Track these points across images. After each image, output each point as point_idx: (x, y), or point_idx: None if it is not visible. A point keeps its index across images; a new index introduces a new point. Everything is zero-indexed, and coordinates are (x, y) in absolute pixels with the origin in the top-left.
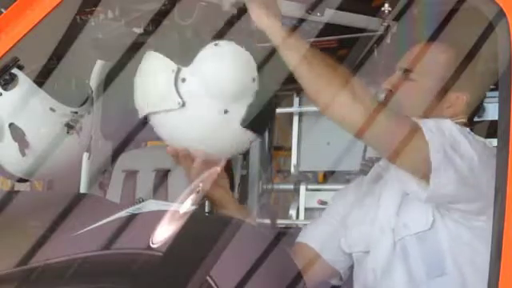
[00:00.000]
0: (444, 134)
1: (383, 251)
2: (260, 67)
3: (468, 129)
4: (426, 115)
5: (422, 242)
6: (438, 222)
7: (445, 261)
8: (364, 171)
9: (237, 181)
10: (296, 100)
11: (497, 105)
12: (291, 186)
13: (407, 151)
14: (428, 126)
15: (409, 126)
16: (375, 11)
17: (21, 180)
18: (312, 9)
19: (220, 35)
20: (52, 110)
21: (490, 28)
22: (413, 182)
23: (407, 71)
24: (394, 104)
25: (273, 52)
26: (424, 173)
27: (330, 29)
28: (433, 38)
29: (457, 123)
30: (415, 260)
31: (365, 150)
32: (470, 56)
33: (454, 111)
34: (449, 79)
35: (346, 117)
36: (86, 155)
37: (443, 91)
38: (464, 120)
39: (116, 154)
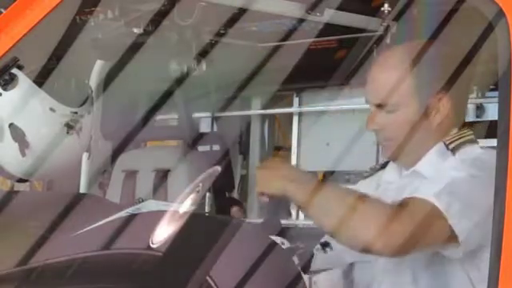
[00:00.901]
0: (458, 192)
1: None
2: (260, 67)
3: (478, 147)
4: (416, 135)
5: (433, 266)
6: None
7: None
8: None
9: (237, 181)
10: (296, 100)
11: (496, 105)
12: None
13: (429, 238)
14: (442, 198)
15: (423, 214)
16: (375, 11)
17: (20, 180)
18: (312, 9)
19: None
20: (52, 110)
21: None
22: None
23: (381, 106)
24: (387, 141)
25: (272, 52)
26: (449, 238)
27: (329, 29)
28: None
29: (464, 141)
30: (422, 280)
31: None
32: (425, 55)
33: (440, 116)
34: (425, 90)
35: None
36: (85, 155)
37: (424, 104)
38: (468, 135)
39: (116, 154)
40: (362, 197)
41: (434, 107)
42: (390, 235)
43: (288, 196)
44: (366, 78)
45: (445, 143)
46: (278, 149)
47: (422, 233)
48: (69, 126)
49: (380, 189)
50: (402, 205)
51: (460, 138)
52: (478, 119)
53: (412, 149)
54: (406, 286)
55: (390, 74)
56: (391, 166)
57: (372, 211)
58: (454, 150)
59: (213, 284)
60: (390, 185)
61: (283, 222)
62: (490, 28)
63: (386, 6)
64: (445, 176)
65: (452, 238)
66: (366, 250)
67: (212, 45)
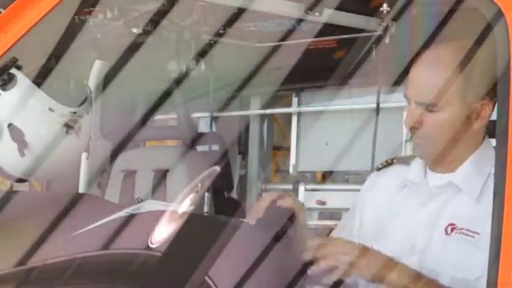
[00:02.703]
0: None
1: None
2: (259, 67)
3: None
4: (458, 139)
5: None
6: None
7: None
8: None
9: (236, 181)
10: (295, 100)
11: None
12: (290, 186)
13: None
14: None
15: None
16: (374, 11)
17: (20, 180)
18: (311, 9)
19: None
20: (51, 110)
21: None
22: None
23: (424, 104)
24: (422, 139)
25: (271, 52)
26: None
27: (328, 29)
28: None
29: None
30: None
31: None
32: (475, 57)
33: (481, 122)
34: (472, 92)
35: None
36: (84, 155)
37: (468, 107)
38: None
39: (115, 154)
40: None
41: (477, 112)
42: None
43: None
44: (410, 74)
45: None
46: (277, 149)
47: None
48: (68, 126)
49: (406, 189)
50: None
51: None
52: None
53: (446, 153)
54: None
55: (438, 72)
56: (416, 165)
57: None
58: None
59: (212, 284)
60: (417, 187)
61: None
62: (488, 28)
63: (384, 6)
64: None
65: None
66: None
67: (211, 45)
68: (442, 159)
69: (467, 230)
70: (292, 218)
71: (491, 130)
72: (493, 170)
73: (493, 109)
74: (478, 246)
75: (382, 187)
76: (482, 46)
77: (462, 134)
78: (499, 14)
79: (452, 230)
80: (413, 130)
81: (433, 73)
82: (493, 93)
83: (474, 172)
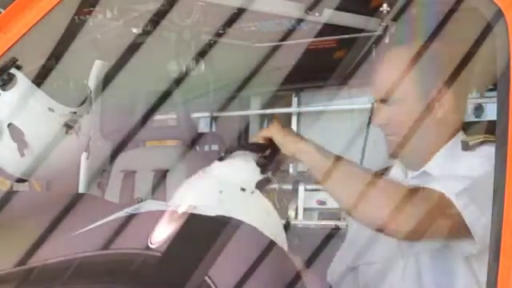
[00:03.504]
0: (478, 191)
1: (395, 267)
2: (259, 67)
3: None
4: (420, 130)
5: (437, 260)
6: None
7: (457, 280)
8: None
9: None
10: (295, 100)
11: (495, 105)
12: (290, 186)
13: (442, 229)
14: (462, 198)
15: (440, 206)
16: (374, 11)
17: (19, 180)
18: (311, 9)
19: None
20: (51, 110)
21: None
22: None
23: (383, 101)
24: (393, 134)
25: (271, 52)
26: (464, 234)
27: (328, 29)
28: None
29: (486, 140)
30: (428, 279)
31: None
32: (437, 55)
33: (443, 110)
34: (427, 83)
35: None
36: (84, 155)
37: (426, 96)
38: (492, 138)
39: (115, 154)
40: (379, 175)
41: (437, 100)
42: (404, 217)
43: (303, 161)
44: (371, 78)
45: (463, 141)
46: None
47: (436, 222)
48: (68, 126)
49: None
50: (420, 191)
51: (483, 138)
52: (477, 119)
53: (418, 147)
54: (411, 283)
55: (391, 69)
56: (397, 167)
57: (389, 190)
58: (474, 147)
59: (212, 284)
60: None
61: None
62: (488, 28)
63: (384, 6)
64: (465, 174)
65: (467, 233)
66: (380, 229)
67: (211, 45)
68: (414, 156)
69: None
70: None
71: (491, 130)
72: (461, 156)
73: (457, 98)
74: None
75: None
76: (434, 43)
77: (427, 126)
78: (499, 14)
79: None
80: (382, 127)
81: (384, 70)
82: (450, 81)
83: (443, 161)
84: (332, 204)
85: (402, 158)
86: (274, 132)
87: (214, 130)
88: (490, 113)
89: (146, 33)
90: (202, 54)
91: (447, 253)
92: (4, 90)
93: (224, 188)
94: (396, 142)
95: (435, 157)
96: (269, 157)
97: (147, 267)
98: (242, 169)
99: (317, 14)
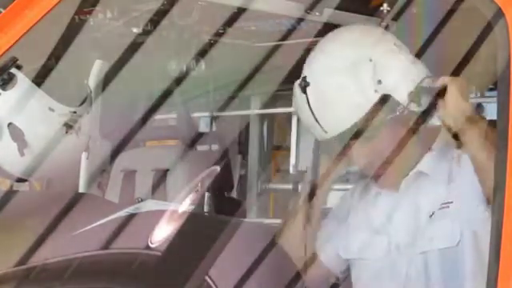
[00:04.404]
0: None
1: (401, 266)
2: (259, 67)
3: None
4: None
5: (445, 259)
6: (464, 240)
7: (465, 281)
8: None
9: (236, 180)
10: None
11: (495, 104)
12: (290, 186)
13: None
14: None
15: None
16: (374, 11)
17: (19, 180)
18: (311, 8)
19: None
20: (51, 109)
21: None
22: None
23: (356, 136)
24: (379, 160)
25: (271, 51)
26: None
27: (328, 28)
28: None
29: None
30: (436, 276)
31: None
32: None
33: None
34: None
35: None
36: (84, 155)
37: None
38: None
39: (115, 154)
40: None
41: (381, 99)
42: None
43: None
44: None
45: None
46: (277, 148)
47: None
48: (68, 126)
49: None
50: None
51: None
52: None
53: (406, 153)
54: (418, 274)
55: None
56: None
57: None
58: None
59: (212, 284)
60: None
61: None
62: (488, 27)
63: (385, 5)
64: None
65: None
66: None
67: (211, 44)
68: (405, 165)
69: (442, 204)
70: None
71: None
72: (455, 154)
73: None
74: (453, 213)
75: (358, 198)
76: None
77: (396, 126)
78: (499, 14)
79: (433, 213)
80: (369, 164)
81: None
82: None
83: (438, 160)
84: (332, 204)
85: (391, 173)
86: (456, 83)
87: (214, 129)
88: (491, 112)
89: (146, 33)
90: (202, 54)
91: (456, 251)
92: (4, 89)
93: None
94: (382, 163)
95: (425, 157)
96: None
97: (147, 267)
98: None
99: (317, 13)
